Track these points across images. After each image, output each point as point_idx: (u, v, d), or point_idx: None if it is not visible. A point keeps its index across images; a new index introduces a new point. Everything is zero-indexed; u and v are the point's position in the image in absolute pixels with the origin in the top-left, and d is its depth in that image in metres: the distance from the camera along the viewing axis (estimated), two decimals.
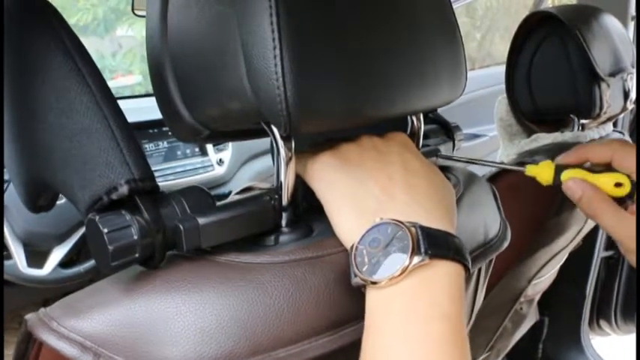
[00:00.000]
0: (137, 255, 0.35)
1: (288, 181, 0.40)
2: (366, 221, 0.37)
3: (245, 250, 0.38)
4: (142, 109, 1.33)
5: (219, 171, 1.45)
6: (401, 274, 0.34)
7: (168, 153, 1.40)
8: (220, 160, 1.45)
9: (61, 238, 1.17)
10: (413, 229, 0.35)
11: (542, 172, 0.52)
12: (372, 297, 0.36)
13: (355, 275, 0.36)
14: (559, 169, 0.51)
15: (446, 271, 0.36)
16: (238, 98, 0.36)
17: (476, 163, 0.57)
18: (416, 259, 0.35)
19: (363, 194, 0.38)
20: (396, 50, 0.40)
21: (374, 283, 0.35)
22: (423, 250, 0.35)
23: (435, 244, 0.35)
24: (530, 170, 0.52)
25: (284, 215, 0.41)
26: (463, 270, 0.37)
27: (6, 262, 1.12)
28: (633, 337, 1.23)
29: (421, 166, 0.41)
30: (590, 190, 0.49)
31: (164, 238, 0.36)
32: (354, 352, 0.36)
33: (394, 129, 0.45)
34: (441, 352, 0.33)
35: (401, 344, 0.34)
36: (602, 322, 1.20)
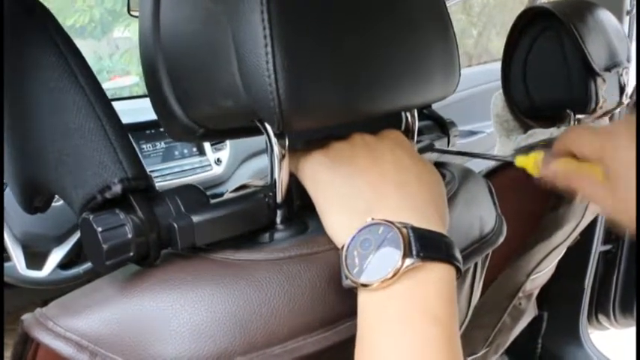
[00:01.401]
0: (132, 253, 0.35)
1: (282, 179, 0.40)
2: (356, 221, 0.37)
3: (240, 248, 0.38)
4: (140, 110, 1.34)
5: (217, 170, 1.45)
6: (393, 276, 0.34)
7: (166, 153, 1.40)
8: (218, 159, 1.45)
9: (59, 240, 1.17)
10: (404, 230, 0.35)
11: (531, 163, 0.51)
12: (363, 299, 0.36)
13: (346, 277, 0.36)
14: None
15: (437, 273, 0.36)
16: (231, 96, 0.36)
17: (467, 155, 0.57)
18: (408, 262, 0.34)
19: (354, 194, 0.38)
20: (389, 46, 0.40)
21: (365, 285, 0.35)
22: (415, 252, 0.34)
23: (427, 246, 0.35)
24: (519, 161, 0.52)
25: (278, 213, 0.41)
26: (454, 271, 0.37)
27: (5, 264, 1.12)
28: (632, 330, 1.23)
29: (413, 164, 0.41)
30: (571, 169, 0.46)
31: (159, 237, 0.36)
32: (349, 349, 0.36)
33: (389, 126, 0.45)
34: (433, 356, 0.33)
35: (393, 349, 0.34)
36: (601, 317, 1.20)
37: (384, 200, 0.38)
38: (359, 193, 0.38)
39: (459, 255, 0.37)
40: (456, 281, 0.37)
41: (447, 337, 0.34)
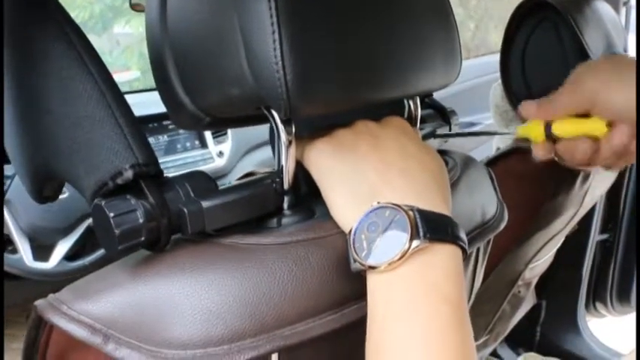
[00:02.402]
0: (143, 238, 0.36)
1: (288, 165, 0.40)
2: (362, 206, 0.37)
3: (248, 233, 0.39)
4: (141, 104, 1.34)
5: (219, 163, 1.46)
6: (400, 258, 0.35)
7: (169, 146, 1.41)
8: (220, 152, 1.46)
9: (65, 232, 1.18)
10: (411, 212, 0.35)
11: (533, 130, 0.51)
12: (372, 282, 0.36)
13: (354, 260, 0.36)
14: (549, 124, 0.50)
15: (445, 254, 0.36)
16: (239, 84, 0.37)
17: (470, 135, 0.58)
18: (415, 243, 0.35)
19: (358, 179, 0.39)
20: (392, 34, 0.40)
21: (373, 267, 0.35)
22: (422, 233, 0.35)
23: (434, 228, 0.36)
24: (520, 131, 0.52)
25: (286, 199, 0.42)
26: (461, 252, 0.38)
27: (12, 257, 1.13)
28: (628, 318, 1.25)
29: (417, 150, 0.42)
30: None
31: (169, 222, 0.37)
32: (357, 331, 0.37)
33: (392, 113, 0.46)
34: (444, 335, 0.34)
35: (404, 330, 0.34)
36: (599, 304, 1.21)
37: (389, 185, 0.38)
38: (363, 178, 0.39)
39: (464, 236, 0.38)
40: (462, 262, 0.38)
41: (458, 315, 0.35)
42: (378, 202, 0.37)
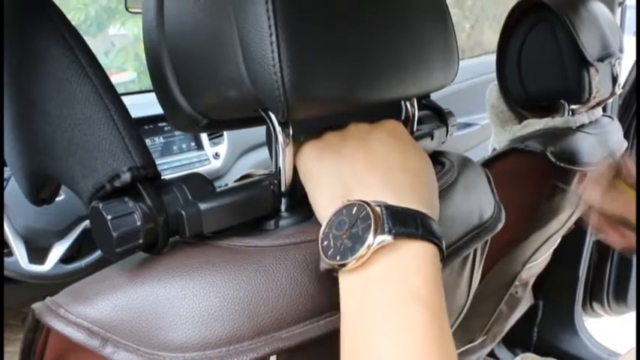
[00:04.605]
0: (141, 241, 0.36)
1: (286, 167, 0.40)
2: (336, 206, 0.37)
3: (246, 235, 0.39)
4: (137, 106, 1.33)
5: (215, 164, 1.45)
6: (365, 253, 0.33)
7: (164, 148, 1.40)
8: (216, 153, 1.45)
9: (61, 234, 1.18)
10: (377, 208, 0.34)
11: None
12: (344, 284, 0.36)
13: (322, 260, 0.36)
14: None
15: (416, 252, 0.35)
16: (236, 86, 0.37)
17: None
18: (380, 238, 0.33)
19: (336, 180, 0.38)
20: (390, 35, 0.40)
21: (342, 266, 0.34)
22: (387, 228, 0.34)
23: (402, 223, 0.34)
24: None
25: (283, 200, 0.42)
26: (437, 250, 0.36)
27: (7, 259, 1.12)
28: (625, 317, 1.25)
29: (402, 152, 0.41)
30: None
31: (167, 225, 0.37)
32: None
33: (389, 114, 0.46)
34: (419, 339, 0.32)
35: (377, 333, 0.33)
36: (595, 304, 1.22)
37: (364, 185, 0.37)
38: (340, 179, 0.38)
39: (439, 233, 0.37)
40: (439, 260, 0.37)
41: (433, 318, 0.33)
42: (348, 200, 0.36)
